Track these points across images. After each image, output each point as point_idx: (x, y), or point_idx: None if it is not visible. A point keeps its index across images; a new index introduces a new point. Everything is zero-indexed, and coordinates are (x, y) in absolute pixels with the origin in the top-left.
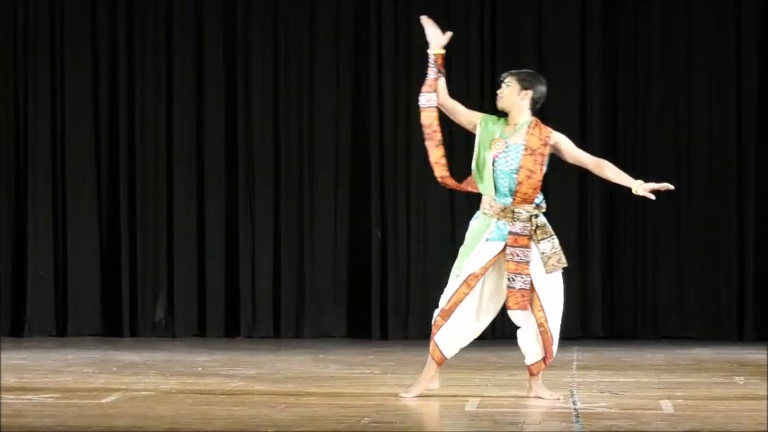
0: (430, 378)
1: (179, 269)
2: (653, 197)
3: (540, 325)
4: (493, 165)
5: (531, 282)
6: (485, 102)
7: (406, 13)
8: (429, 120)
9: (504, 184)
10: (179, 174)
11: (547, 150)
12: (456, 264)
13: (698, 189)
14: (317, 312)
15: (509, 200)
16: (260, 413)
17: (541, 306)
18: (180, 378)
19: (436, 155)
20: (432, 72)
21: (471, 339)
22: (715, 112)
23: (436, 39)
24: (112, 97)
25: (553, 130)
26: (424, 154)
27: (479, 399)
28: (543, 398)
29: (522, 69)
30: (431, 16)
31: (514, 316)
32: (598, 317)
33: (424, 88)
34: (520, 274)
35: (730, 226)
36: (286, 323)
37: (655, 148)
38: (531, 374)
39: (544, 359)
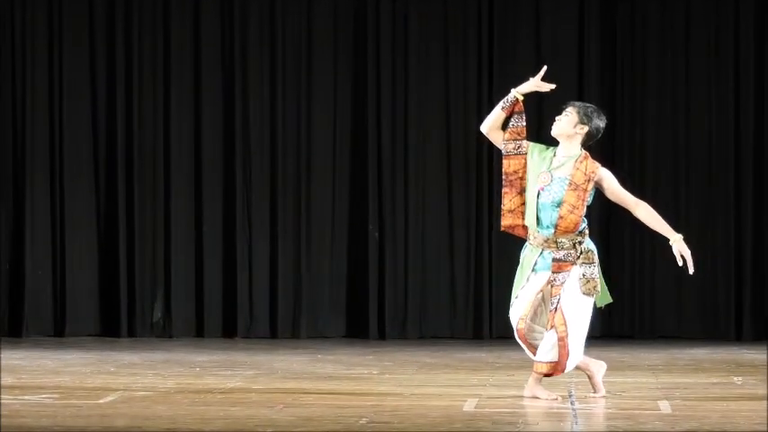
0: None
1: (177, 269)
2: (680, 261)
3: (560, 339)
4: (537, 197)
5: (561, 297)
6: (481, 100)
7: (403, 12)
8: (516, 167)
9: (547, 216)
10: (176, 174)
11: (590, 186)
12: (513, 290)
13: (696, 189)
14: (314, 312)
15: (551, 231)
16: (258, 413)
17: (564, 321)
18: (178, 378)
19: (516, 203)
20: (520, 119)
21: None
22: (713, 112)
23: (532, 83)
24: (110, 98)
25: (600, 166)
26: (423, 155)
27: (477, 399)
28: (540, 398)
29: (586, 103)
30: (429, 15)
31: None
32: (596, 317)
33: (510, 135)
34: (558, 295)
35: (728, 226)
36: (284, 323)
37: (653, 149)
38: (535, 372)
39: (554, 367)
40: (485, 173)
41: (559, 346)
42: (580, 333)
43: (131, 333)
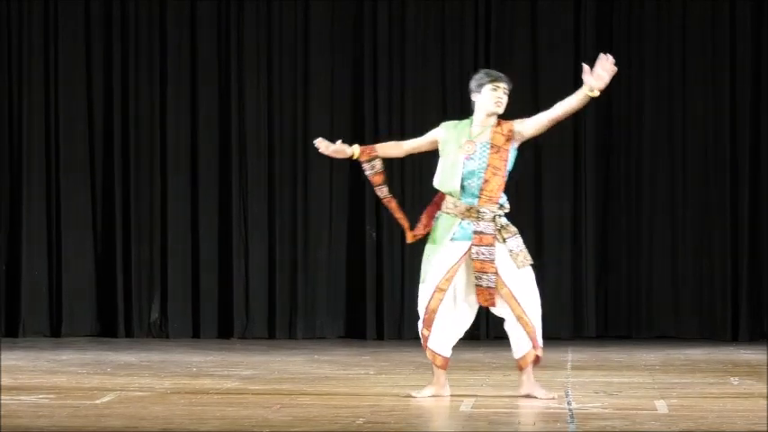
0: (440, 384)
1: (173, 270)
2: (602, 79)
3: (519, 318)
4: (463, 166)
5: (501, 278)
6: None
7: (400, 11)
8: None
9: (472, 184)
10: (173, 175)
11: (509, 145)
12: (423, 266)
13: (692, 190)
14: (311, 313)
15: (475, 200)
16: (254, 414)
17: (517, 301)
18: (174, 379)
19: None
20: (369, 168)
21: (464, 330)
22: (709, 112)
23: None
24: (107, 98)
25: (512, 121)
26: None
27: (474, 399)
28: (537, 397)
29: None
30: (426, 19)
31: (496, 309)
32: (592, 317)
33: (379, 179)
34: (486, 272)
35: (724, 226)
36: (280, 324)
37: (649, 149)
38: (521, 369)
39: (533, 350)
40: None
41: (522, 324)
42: (535, 305)
43: (128, 333)
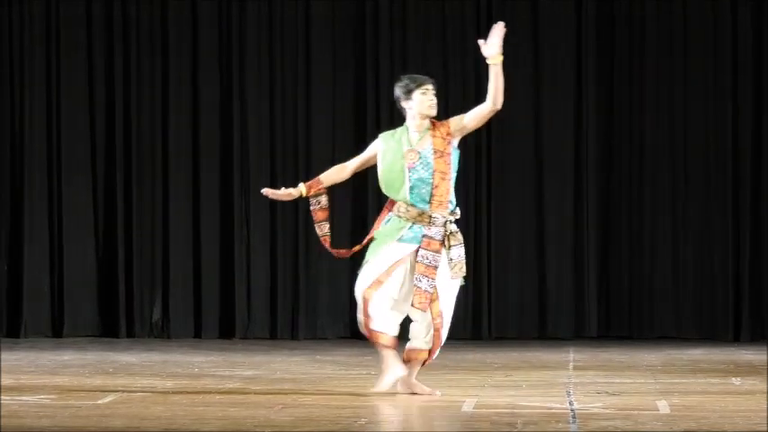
0: (392, 365)
1: (175, 270)
2: (494, 45)
3: (435, 329)
4: (409, 173)
5: (436, 286)
6: (480, 97)
7: (401, 14)
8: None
9: (422, 191)
10: (175, 174)
11: (450, 147)
12: (366, 256)
13: (694, 190)
14: (313, 313)
15: (426, 206)
16: (256, 414)
17: (440, 312)
18: (176, 379)
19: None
20: (316, 204)
21: (402, 317)
22: (711, 111)
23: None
24: (109, 99)
25: (447, 120)
26: None
27: (476, 399)
28: (418, 393)
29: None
30: (426, 21)
31: (413, 312)
32: (594, 317)
33: (323, 214)
34: (428, 276)
35: (726, 227)
36: (282, 324)
37: (651, 150)
38: (407, 360)
39: (429, 353)
40: (483, 173)
41: (434, 336)
42: (449, 321)
43: (130, 334)
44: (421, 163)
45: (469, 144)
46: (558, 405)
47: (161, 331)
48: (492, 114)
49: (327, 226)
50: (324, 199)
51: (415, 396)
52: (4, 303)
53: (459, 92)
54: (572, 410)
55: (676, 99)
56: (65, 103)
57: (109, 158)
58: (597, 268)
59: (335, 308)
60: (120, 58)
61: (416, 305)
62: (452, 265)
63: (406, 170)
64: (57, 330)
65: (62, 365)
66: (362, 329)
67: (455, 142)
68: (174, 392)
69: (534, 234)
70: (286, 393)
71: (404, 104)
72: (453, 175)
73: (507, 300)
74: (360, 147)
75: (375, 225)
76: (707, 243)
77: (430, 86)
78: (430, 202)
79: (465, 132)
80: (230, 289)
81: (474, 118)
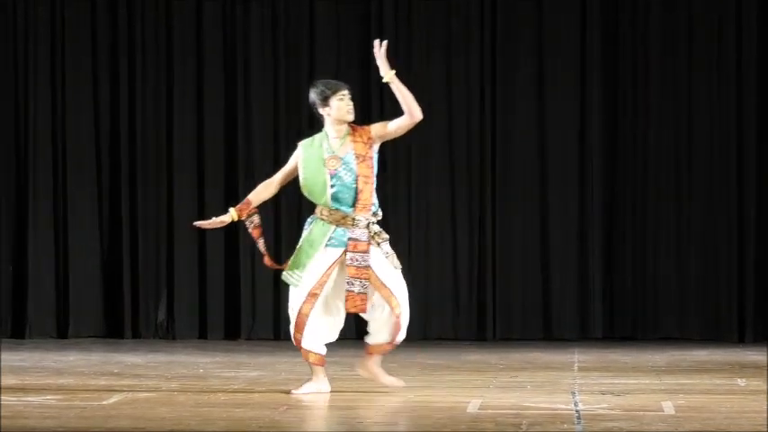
0: (319, 381)
1: (180, 271)
2: (381, 65)
3: (396, 315)
4: (332, 179)
5: (380, 279)
6: (484, 99)
7: (406, 15)
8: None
9: (345, 196)
10: (180, 175)
11: (372, 151)
12: (291, 267)
13: (698, 190)
14: None
15: (350, 209)
16: (261, 415)
17: (396, 299)
18: (181, 380)
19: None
20: (250, 224)
21: (336, 335)
22: (715, 111)
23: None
24: (113, 98)
25: (367, 126)
26: (426, 155)
27: (481, 400)
28: (387, 384)
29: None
30: (431, 15)
31: (365, 314)
32: (599, 318)
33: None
34: (359, 278)
35: (730, 227)
36: (287, 325)
37: (655, 149)
38: (370, 353)
39: (391, 344)
40: (488, 173)
41: (394, 324)
42: (407, 307)
43: (135, 334)
44: (344, 168)
45: (473, 144)
46: (563, 406)
47: (166, 332)
48: (413, 125)
49: (263, 242)
50: (256, 218)
51: (419, 397)
52: (9, 304)
53: (463, 93)
54: (577, 411)
55: (681, 100)
56: (69, 103)
57: (113, 159)
58: (602, 269)
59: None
60: (124, 56)
61: (351, 309)
62: (390, 258)
63: (328, 176)
64: (61, 331)
65: (67, 366)
66: (293, 342)
67: (376, 147)
68: (179, 393)
69: (539, 235)
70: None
71: (321, 111)
72: (375, 179)
73: (512, 301)
74: None
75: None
76: (711, 244)
77: (346, 92)
78: (354, 206)
79: (386, 139)
80: (236, 289)
81: (396, 129)
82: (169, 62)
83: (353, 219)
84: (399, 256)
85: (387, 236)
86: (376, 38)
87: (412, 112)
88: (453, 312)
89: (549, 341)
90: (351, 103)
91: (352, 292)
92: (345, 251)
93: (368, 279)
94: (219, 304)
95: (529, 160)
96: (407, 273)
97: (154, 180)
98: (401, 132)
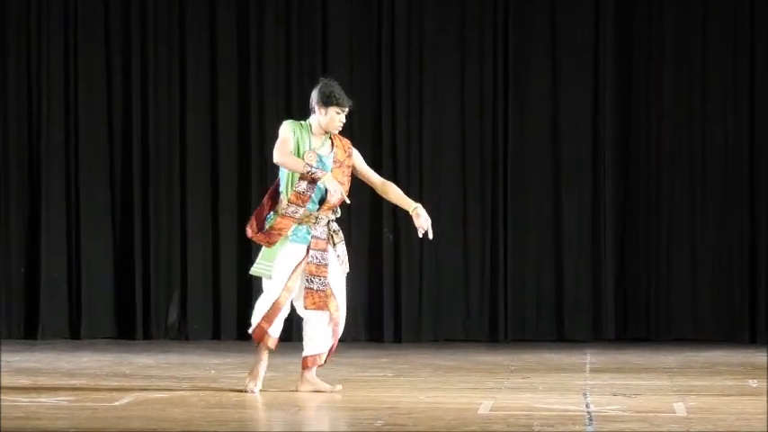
0: (264, 362)
1: (192, 272)
2: (421, 231)
3: (335, 324)
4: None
5: (329, 283)
6: (497, 99)
7: (419, 7)
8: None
9: (315, 194)
10: (192, 176)
11: (349, 161)
12: (260, 262)
13: (711, 192)
14: None
15: (315, 207)
16: (272, 416)
17: (337, 306)
18: (193, 381)
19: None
20: (310, 189)
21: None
22: (729, 114)
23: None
24: (126, 98)
25: (349, 143)
26: (438, 155)
27: (493, 401)
28: (324, 391)
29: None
30: (445, 17)
31: (306, 313)
32: (611, 319)
33: (295, 198)
34: (319, 276)
35: (743, 228)
36: (299, 327)
37: (668, 149)
38: (306, 367)
39: (330, 352)
40: (500, 174)
41: (334, 332)
42: (345, 314)
43: (147, 335)
44: (318, 165)
45: (486, 145)
46: (575, 407)
47: (179, 333)
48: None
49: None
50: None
51: (431, 398)
52: (22, 305)
53: (476, 93)
54: (588, 413)
55: (695, 102)
56: (82, 104)
57: (126, 159)
58: (614, 270)
59: (352, 310)
60: (137, 55)
61: (310, 306)
62: (341, 261)
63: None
64: (74, 332)
65: (79, 367)
66: (253, 331)
67: (350, 162)
68: (191, 394)
69: (551, 236)
70: (302, 394)
71: (316, 108)
72: (348, 186)
73: (524, 302)
74: (375, 146)
75: (254, 223)
76: (724, 245)
77: (346, 110)
78: (320, 206)
79: (354, 165)
80: (248, 290)
81: (363, 172)
82: (182, 59)
83: (316, 217)
84: (410, 257)
85: (342, 236)
86: (387, 35)
87: (378, 191)
88: (465, 313)
89: (561, 342)
90: (344, 120)
91: (311, 289)
92: (308, 248)
93: (326, 277)
94: (232, 304)
95: (541, 160)
96: (419, 273)
97: (166, 180)
98: (363, 179)
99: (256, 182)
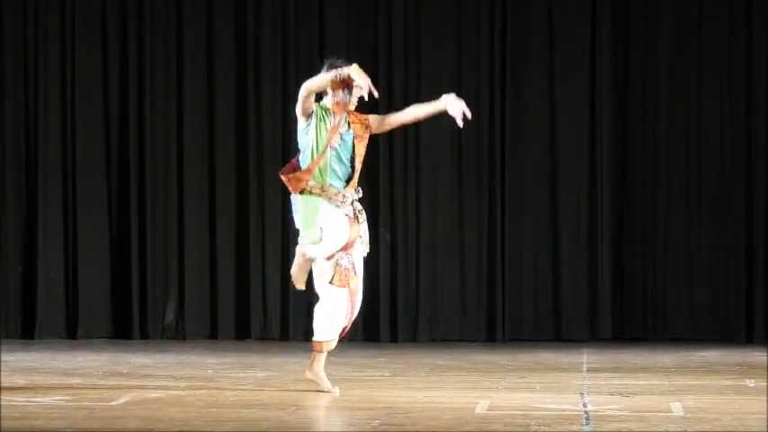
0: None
1: (189, 271)
2: (460, 119)
3: (353, 305)
4: (333, 154)
5: (353, 263)
6: (494, 98)
7: (416, 5)
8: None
9: (342, 172)
10: (189, 176)
11: (368, 134)
12: (308, 239)
13: (708, 191)
14: None
15: (342, 184)
16: (270, 415)
17: (358, 284)
18: (190, 380)
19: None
20: (348, 94)
21: None
22: (725, 113)
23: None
24: (123, 97)
25: (363, 115)
26: (434, 155)
27: (490, 401)
28: (324, 391)
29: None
30: (442, 16)
31: (327, 289)
32: (608, 319)
33: (337, 107)
34: (347, 254)
35: (740, 228)
36: (295, 326)
37: (665, 149)
38: (320, 351)
39: (340, 335)
40: (497, 173)
41: (351, 312)
42: (361, 296)
43: (144, 335)
44: (341, 145)
45: (483, 143)
46: (572, 407)
47: (175, 332)
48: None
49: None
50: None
51: (428, 397)
52: (18, 304)
53: (472, 91)
54: (586, 412)
55: (690, 101)
56: (79, 103)
57: (123, 159)
58: (611, 270)
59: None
60: (134, 56)
61: (337, 283)
62: (362, 242)
63: (328, 150)
64: (71, 331)
65: (76, 367)
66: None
67: (368, 133)
68: (188, 394)
69: (548, 236)
70: (300, 394)
71: (331, 88)
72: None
73: (521, 302)
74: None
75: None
76: (721, 244)
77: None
78: (347, 183)
79: (374, 133)
80: (245, 290)
81: (389, 124)
82: (179, 60)
83: (344, 195)
84: (407, 257)
85: (365, 216)
86: (384, 32)
87: (407, 123)
88: (462, 313)
89: (558, 342)
90: (358, 96)
91: (340, 267)
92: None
93: (351, 255)
94: (229, 304)
95: (538, 160)
96: (416, 273)
97: (163, 180)
98: (387, 130)
99: (254, 181)
